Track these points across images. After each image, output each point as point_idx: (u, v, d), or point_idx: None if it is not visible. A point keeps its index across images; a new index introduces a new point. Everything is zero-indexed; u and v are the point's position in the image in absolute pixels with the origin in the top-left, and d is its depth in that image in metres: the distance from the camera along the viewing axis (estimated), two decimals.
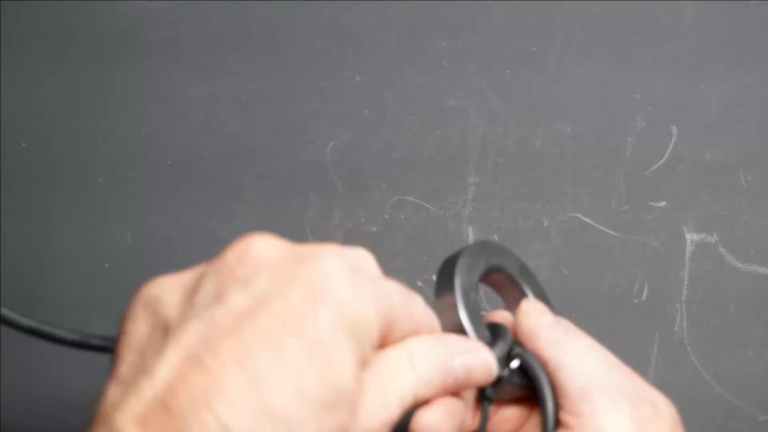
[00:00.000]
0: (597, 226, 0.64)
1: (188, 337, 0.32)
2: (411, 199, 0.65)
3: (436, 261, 0.61)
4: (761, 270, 0.63)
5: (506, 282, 0.49)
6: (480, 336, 0.43)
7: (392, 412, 0.36)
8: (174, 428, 0.29)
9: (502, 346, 0.43)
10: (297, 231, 0.65)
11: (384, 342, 0.37)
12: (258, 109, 0.68)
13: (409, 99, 0.67)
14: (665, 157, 0.65)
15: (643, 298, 0.62)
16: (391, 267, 0.61)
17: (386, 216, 0.65)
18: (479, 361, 0.41)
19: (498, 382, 0.43)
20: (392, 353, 0.38)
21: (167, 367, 0.31)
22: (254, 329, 0.32)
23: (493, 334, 0.44)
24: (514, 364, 0.44)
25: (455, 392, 0.40)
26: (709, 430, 0.59)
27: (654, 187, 0.65)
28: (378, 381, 0.36)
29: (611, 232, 0.64)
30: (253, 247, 0.37)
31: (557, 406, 0.43)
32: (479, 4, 0.68)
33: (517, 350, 0.45)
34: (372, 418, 0.35)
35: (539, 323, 0.45)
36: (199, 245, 0.65)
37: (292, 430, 0.30)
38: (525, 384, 0.45)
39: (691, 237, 0.64)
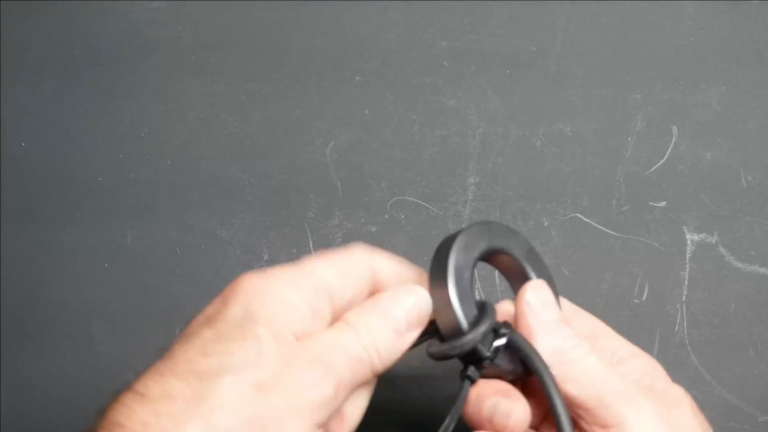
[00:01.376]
0: (597, 226, 0.64)
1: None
2: (411, 199, 0.65)
3: None
4: (762, 270, 0.63)
5: (511, 265, 0.49)
6: (466, 313, 0.43)
7: (341, 370, 0.39)
8: None
9: (486, 325, 0.43)
10: (297, 231, 0.65)
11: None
12: (258, 109, 0.68)
13: (409, 99, 0.67)
14: (666, 157, 0.65)
15: (644, 298, 0.62)
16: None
17: (386, 216, 0.65)
18: (412, 299, 0.43)
19: (480, 361, 0.44)
20: (333, 327, 0.41)
21: None
22: (179, 339, 0.38)
23: (480, 311, 0.44)
24: (498, 342, 0.44)
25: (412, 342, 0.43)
26: None
27: (654, 187, 0.65)
28: (315, 347, 0.39)
29: (611, 232, 0.64)
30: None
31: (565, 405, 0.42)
32: (479, 4, 0.68)
33: (504, 330, 0.44)
34: (305, 388, 0.38)
35: (539, 321, 0.44)
36: (200, 245, 0.65)
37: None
38: (516, 367, 0.45)
39: (691, 237, 0.63)
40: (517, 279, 0.49)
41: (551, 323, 0.44)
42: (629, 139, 0.66)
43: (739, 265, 0.63)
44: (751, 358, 0.60)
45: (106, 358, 0.64)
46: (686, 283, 0.62)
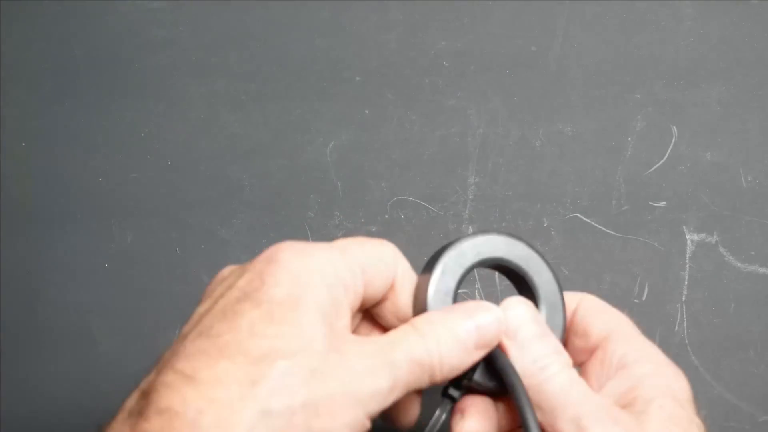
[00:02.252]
0: (597, 226, 0.64)
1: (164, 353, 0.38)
2: (411, 199, 0.65)
3: None
4: (762, 270, 0.63)
5: (512, 273, 0.48)
6: None
7: (402, 369, 0.38)
8: None
9: None
10: (297, 231, 0.65)
11: (372, 298, 0.42)
12: (258, 109, 0.68)
13: (409, 99, 0.67)
14: (665, 157, 0.65)
15: (644, 298, 0.62)
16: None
17: (386, 216, 0.65)
18: (487, 318, 0.41)
19: (459, 379, 0.43)
20: (399, 328, 0.40)
21: None
22: (210, 316, 0.37)
23: None
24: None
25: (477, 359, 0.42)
26: (709, 431, 0.59)
27: (654, 187, 0.65)
28: (376, 345, 0.38)
29: (611, 232, 0.64)
30: (217, 275, 0.42)
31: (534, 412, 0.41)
32: (479, 4, 0.68)
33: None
34: (361, 377, 0.37)
35: (511, 342, 0.43)
36: (200, 245, 0.65)
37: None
38: (495, 385, 0.44)
39: (691, 237, 0.63)
40: (521, 286, 0.49)
41: (524, 342, 0.42)
42: (629, 139, 0.66)
43: (739, 265, 0.63)
44: (750, 358, 0.61)
45: (105, 357, 0.64)
46: (686, 282, 0.62)
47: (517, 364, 0.42)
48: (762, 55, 0.67)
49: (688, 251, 0.63)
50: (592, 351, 0.45)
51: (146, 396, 0.35)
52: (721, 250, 0.63)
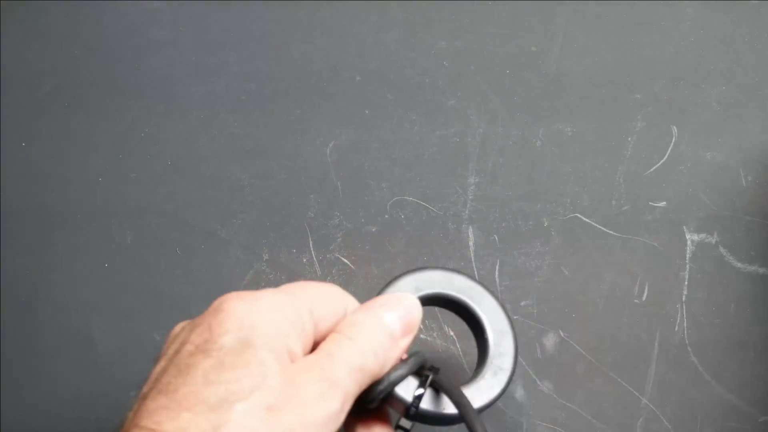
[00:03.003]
0: (597, 226, 0.64)
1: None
2: (411, 199, 0.65)
3: (436, 261, 0.61)
4: (762, 270, 0.63)
5: (458, 309, 0.50)
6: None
7: (347, 385, 0.40)
8: None
9: (401, 369, 0.44)
10: (297, 231, 0.65)
11: (323, 336, 0.42)
12: (258, 109, 0.68)
13: (409, 99, 0.67)
14: (665, 157, 0.65)
15: (644, 298, 0.62)
16: (391, 267, 0.61)
17: (386, 216, 0.65)
18: (403, 306, 0.44)
19: (409, 409, 0.45)
20: (329, 339, 0.42)
21: None
22: (168, 373, 0.38)
23: (408, 357, 0.45)
24: (419, 389, 0.45)
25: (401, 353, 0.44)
26: (709, 430, 0.59)
27: (654, 187, 0.65)
28: (319, 366, 0.40)
29: (611, 232, 0.64)
30: (170, 333, 0.42)
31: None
32: (479, 4, 0.68)
33: (427, 373, 0.45)
34: (314, 404, 0.38)
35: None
36: (200, 246, 0.65)
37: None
38: (441, 411, 0.46)
39: (691, 237, 0.63)
40: (465, 317, 0.50)
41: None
42: (629, 138, 0.66)
43: (739, 265, 0.63)
44: (750, 359, 0.60)
45: (105, 357, 0.63)
46: (686, 283, 0.62)
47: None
48: (762, 55, 0.67)
49: (688, 251, 0.63)
50: None
51: None
52: (721, 250, 0.63)
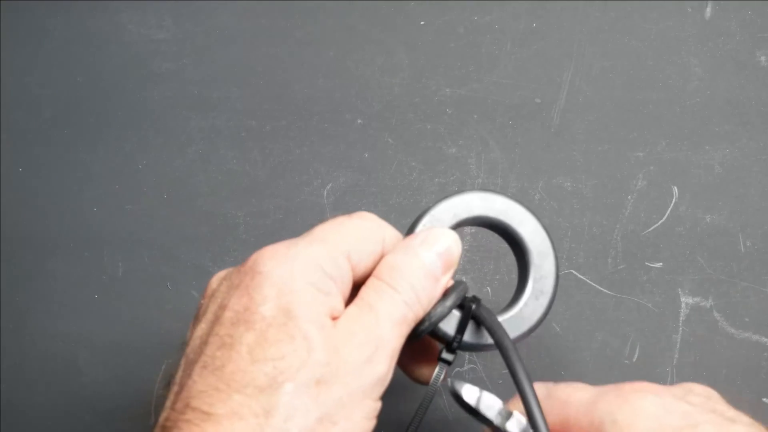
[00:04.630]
0: (591, 283, 0.63)
1: (175, 380, 0.39)
2: None
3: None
4: (755, 337, 0.62)
5: (499, 231, 0.49)
6: None
7: (392, 343, 0.40)
8: None
9: (448, 301, 0.44)
10: None
11: (363, 277, 0.42)
12: (257, 147, 0.67)
13: (409, 145, 0.67)
14: (665, 217, 0.65)
15: (635, 359, 0.62)
16: None
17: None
18: (443, 242, 0.44)
19: (450, 343, 0.45)
20: (369, 285, 0.42)
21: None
22: (212, 342, 0.38)
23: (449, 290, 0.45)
24: (453, 318, 0.45)
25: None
26: None
27: (651, 247, 0.64)
28: (362, 326, 0.39)
29: (606, 290, 0.63)
30: (206, 289, 0.43)
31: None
32: (485, 53, 0.68)
33: (469, 303, 0.45)
34: (362, 371, 0.38)
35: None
36: (191, 281, 0.65)
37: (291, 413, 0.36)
38: (482, 343, 0.46)
39: (686, 300, 0.63)
40: (507, 239, 0.50)
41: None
42: (629, 197, 0.65)
43: (733, 330, 0.62)
44: None
45: (89, 388, 0.63)
46: (678, 346, 0.62)
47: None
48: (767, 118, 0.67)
49: (681, 314, 0.63)
50: None
51: None
52: (715, 314, 0.63)
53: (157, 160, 0.68)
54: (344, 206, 0.66)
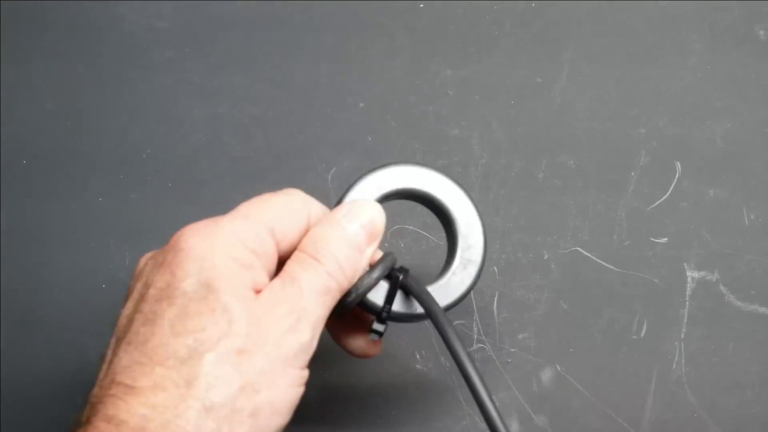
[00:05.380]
0: (597, 260, 0.63)
1: (102, 363, 0.41)
2: (411, 228, 0.65)
3: None
4: (762, 309, 0.62)
5: (423, 200, 0.50)
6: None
7: (316, 313, 0.41)
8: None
9: (374, 273, 0.45)
10: None
11: (288, 252, 0.43)
12: (260, 133, 0.67)
13: (412, 127, 0.67)
14: (668, 192, 0.65)
15: (642, 334, 0.62)
16: None
17: (386, 244, 0.64)
18: (366, 213, 0.45)
19: (379, 313, 0.46)
20: (293, 259, 0.42)
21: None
22: (138, 319, 0.39)
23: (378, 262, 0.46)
24: (382, 289, 0.46)
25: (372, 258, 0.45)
26: None
27: (656, 222, 0.64)
28: (285, 298, 0.40)
29: (612, 267, 0.63)
30: (136, 268, 0.44)
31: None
32: (485, 34, 0.68)
33: (396, 273, 0.46)
34: (284, 340, 0.39)
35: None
36: None
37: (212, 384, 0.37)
38: (412, 312, 0.47)
39: (692, 274, 0.63)
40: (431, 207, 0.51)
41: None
42: (632, 173, 0.65)
43: (739, 303, 0.63)
44: (748, 398, 0.60)
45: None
46: (685, 320, 0.62)
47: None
48: None
49: (688, 288, 0.63)
50: None
51: (93, 407, 0.38)
52: (722, 288, 0.63)
53: (160, 149, 0.68)
54: None
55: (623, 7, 0.68)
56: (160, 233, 0.65)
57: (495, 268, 0.63)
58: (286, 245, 0.43)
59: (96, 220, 0.66)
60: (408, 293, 0.47)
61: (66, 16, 0.70)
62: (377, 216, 0.46)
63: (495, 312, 0.63)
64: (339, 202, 0.48)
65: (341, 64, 0.68)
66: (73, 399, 0.63)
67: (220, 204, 0.65)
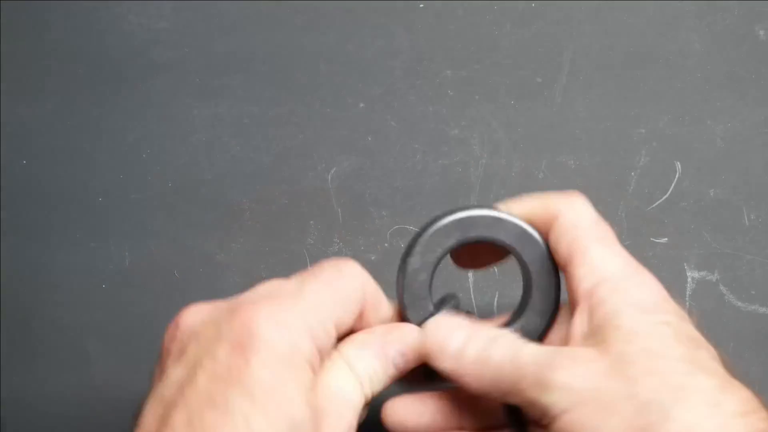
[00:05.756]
0: None
1: (146, 419, 0.37)
2: (412, 228, 0.65)
3: (434, 290, 0.61)
4: (762, 310, 0.62)
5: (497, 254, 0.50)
6: (419, 316, 0.46)
7: (348, 418, 0.41)
8: None
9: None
10: (296, 257, 0.64)
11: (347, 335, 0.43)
12: (260, 133, 0.67)
13: (412, 127, 0.67)
14: (668, 193, 0.65)
15: None
16: (391, 296, 0.61)
17: (386, 245, 0.65)
18: (408, 342, 0.44)
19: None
20: (330, 364, 0.42)
21: None
22: (194, 393, 0.35)
23: (438, 308, 0.47)
24: None
25: (403, 374, 0.45)
26: None
27: (656, 223, 0.64)
28: (326, 396, 0.40)
29: None
30: (182, 321, 0.41)
31: None
32: (486, 34, 0.68)
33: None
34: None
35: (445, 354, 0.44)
36: (198, 269, 0.65)
37: None
38: None
39: (692, 275, 0.63)
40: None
41: (454, 354, 0.44)
42: (632, 173, 0.65)
43: (740, 304, 0.63)
44: None
45: (99, 378, 0.63)
46: None
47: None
48: None
49: (688, 288, 0.63)
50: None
51: None
52: (722, 288, 0.63)
53: (161, 149, 0.68)
54: (349, 190, 0.66)
55: (623, 7, 0.68)
56: (161, 233, 0.66)
57: (495, 268, 0.63)
58: (342, 329, 0.43)
59: (96, 220, 0.66)
60: None
61: (66, 16, 0.70)
62: (417, 345, 0.45)
63: (495, 311, 0.63)
64: (406, 255, 0.48)
65: (341, 64, 0.68)
66: (73, 399, 0.63)
67: (221, 204, 0.66)
